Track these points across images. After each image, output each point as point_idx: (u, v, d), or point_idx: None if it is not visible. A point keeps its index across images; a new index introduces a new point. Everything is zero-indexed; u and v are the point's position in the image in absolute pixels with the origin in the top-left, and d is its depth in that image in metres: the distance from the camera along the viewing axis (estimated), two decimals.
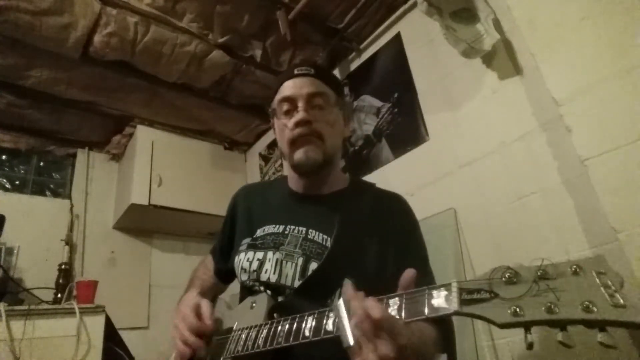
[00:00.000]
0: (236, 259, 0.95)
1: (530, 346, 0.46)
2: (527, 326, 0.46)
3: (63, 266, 2.29)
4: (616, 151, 1.05)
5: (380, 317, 0.53)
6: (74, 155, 2.86)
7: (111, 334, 1.98)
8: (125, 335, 2.14)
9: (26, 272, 2.33)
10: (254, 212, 1.03)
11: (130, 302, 2.61)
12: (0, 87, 2.28)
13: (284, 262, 0.86)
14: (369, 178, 2.10)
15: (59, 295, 2.14)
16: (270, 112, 1.01)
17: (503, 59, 1.61)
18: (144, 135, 2.71)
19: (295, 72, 0.95)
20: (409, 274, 0.60)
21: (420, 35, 2.00)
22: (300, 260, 0.86)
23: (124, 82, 2.37)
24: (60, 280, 2.23)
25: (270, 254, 0.89)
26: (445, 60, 1.85)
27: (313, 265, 0.84)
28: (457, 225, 1.66)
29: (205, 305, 0.83)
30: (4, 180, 2.62)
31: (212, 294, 1.09)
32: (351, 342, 0.55)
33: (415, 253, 0.90)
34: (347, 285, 0.60)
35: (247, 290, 0.92)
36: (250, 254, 0.92)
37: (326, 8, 2.12)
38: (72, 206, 2.65)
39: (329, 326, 0.61)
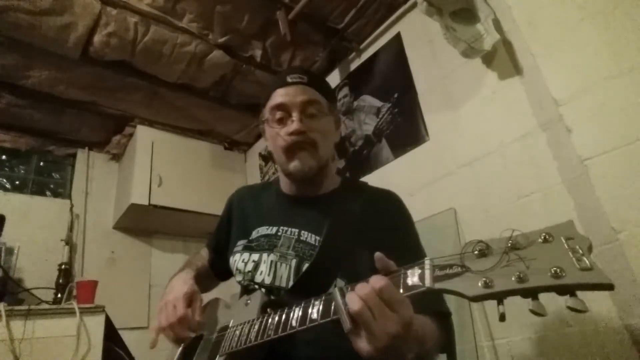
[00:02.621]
0: (231, 260, 0.97)
1: (502, 317, 0.46)
2: (498, 297, 0.46)
3: (63, 266, 2.29)
4: (616, 151, 1.05)
5: (385, 284, 0.53)
6: (74, 155, 2.86)
7: (111, 334, 1.98)
8: (125, 335, 2.14)
9: (26, 272, 2.33)
10: (248, 214, 1.04)
11: (130, 302, 2.61)
12: (0, 87, 2.28)
13: (278, 263, 0.88)
14: (368, 178, 2.10)
15: (59, 295, 2.14)
16: (261, 120, 1.01)
17: (503, 59, 1.61)
18: (144, 135, 2.71)
19: (289, 80, 0.95)
20: (378, 257, 0.58)
21: (420, 35, 2.00)
22: (294, 262, 0.87)
23: (124, 82, 2.37)
24: (60, 280, 2.23)
25: (265, 255, 0.90)
26: (445, 60, 1.85)
27: (306, 267, 0.85)
28: (457, 225, 1.66)
29: (197, 298, 0.88)
30: (4, 180, 2.62)
31: (206, 282, 1.10)
32: (349, 325, 0.55)
33: (408, 251, 0.87)
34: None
35: (244, 289, 0.94)
36: (246, 255, 0.93)
37: (326, 8, 2.11)
38: (72, 206, 2.65)
39: (314, 314, 0.62)
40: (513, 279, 0.44)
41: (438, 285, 0.50)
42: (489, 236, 0.51)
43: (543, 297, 0.45)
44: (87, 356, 1.80)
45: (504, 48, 1.60)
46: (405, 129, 1.98)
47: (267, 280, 0.87)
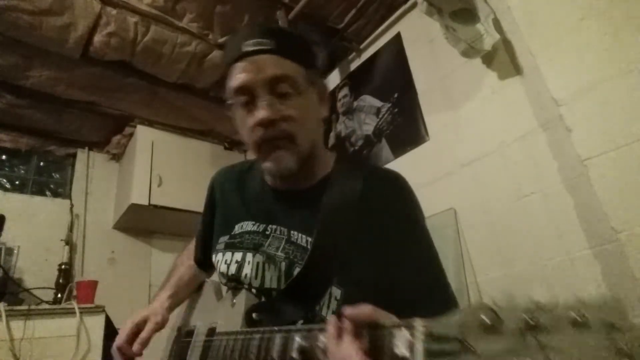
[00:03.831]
0: (214, 258, 0.89)
1: None
2: None
3: (63, 266, 2.29)
4: (616, 151, 1.05)
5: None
6: (74, 155, 2.86)
7: (111, 334, 1.98)
8: None
9: (26, 272, 2.33)
10: (231, 204, 0.93)
11: (130, 302, 2.60)
12: (0, 87, 2.28)
13: (265, 264, 0.78)
14: None
15: (59, 295, 2.14)
16: (227, 105, 0.81)
17: (503, 59, 1.61)
18: (144, 135, 2.71)
19: (245, 48, 0.73)
20: (348, 315, 0.49)
21: (420, 35, 2.00)
22: (284, 265, 0.77)
23: (124, 82, 2.37)
24: (60, 280, 2.23)
25: (249, 255, 0.80)
26: (445, 60, 1.85)
27: (297, 271, 0.75)
28: (457, 225, 1.66)
29: (147, 329, 0.88)
30: (4, 180, 2.62)
31: (189, 289, 1.03)
32: None
33: (415, 263, 0.75)
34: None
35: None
36: (228, 255, 0.83)
37: (326, 8, 2.12)
38: (72, 206, 2.65)
39: (294, 353, 0.56)
40: None
41: None
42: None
43: None
44: (87, 356, 1.80)
45: (504, 48, 1.60)
46: (405, 129, 1.98)
47: (255, 284, 0.78)
